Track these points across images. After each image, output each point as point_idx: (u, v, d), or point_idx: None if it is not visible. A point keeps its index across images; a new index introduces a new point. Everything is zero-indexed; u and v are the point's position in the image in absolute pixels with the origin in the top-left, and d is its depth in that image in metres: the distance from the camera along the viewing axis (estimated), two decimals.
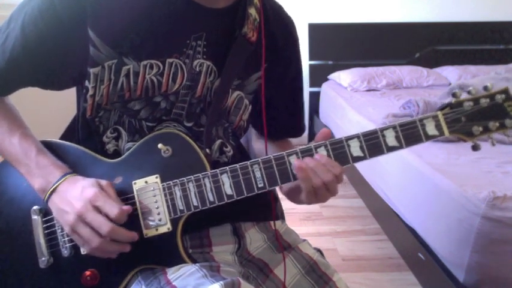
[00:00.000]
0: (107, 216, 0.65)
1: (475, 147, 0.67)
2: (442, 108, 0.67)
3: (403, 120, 0.66)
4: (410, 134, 0.66)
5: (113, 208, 0.64)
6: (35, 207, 0.72)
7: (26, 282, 0.72)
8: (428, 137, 0.66)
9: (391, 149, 0.66)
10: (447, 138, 1.79)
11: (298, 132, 0.98)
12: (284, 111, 0.93)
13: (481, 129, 0.66)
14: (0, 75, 0.73)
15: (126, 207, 0.66)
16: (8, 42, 0.71)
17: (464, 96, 0.67)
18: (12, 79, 0.75)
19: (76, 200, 0.65)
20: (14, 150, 0.72)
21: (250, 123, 0.93)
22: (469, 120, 0.66)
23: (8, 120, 0.74)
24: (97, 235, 0.65)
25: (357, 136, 0.66)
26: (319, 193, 0.68)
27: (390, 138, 0.66)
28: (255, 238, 0.86)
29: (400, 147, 0.66)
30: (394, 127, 0.66)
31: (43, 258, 0.71)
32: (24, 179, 0.72)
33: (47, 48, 0.71)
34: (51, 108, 1.65)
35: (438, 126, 0.66)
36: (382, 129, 0.66)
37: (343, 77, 3.07)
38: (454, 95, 0.67)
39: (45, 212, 0.72)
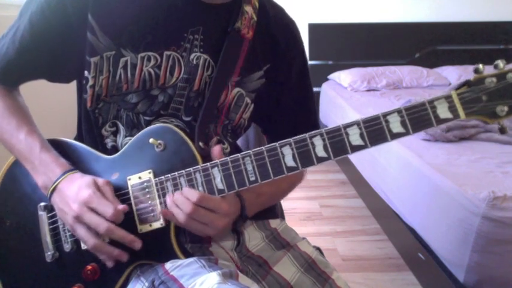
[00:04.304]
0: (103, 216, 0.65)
1: (503, 130, 0.59)
2: (457, 88, 0.60)
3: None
4: (418, 117, 0.59)
5: (107, 208, 0.65)
6: (41, 204, 0.75)
7: (34, 274, 0.75)
8: (440, 121, 0.59)
9: (396, 135, 0.59)
10: (447, 138, 1.79)
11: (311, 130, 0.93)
12: (293, 109, 0.89)
13: (506, 109, 0.57)
14: (9, 65, 0.76)
15: (122, 206, 0.66)
16: (18, 33, 0.75)
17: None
18: (21, 69, 0.77)
19: (72, 202, 0.67)
20: (20, 147, 0.74)
21: (261, 131, 0.92)
22: (492, 99, 0.57)
23: (17, 117, 0.77)
24: (93, 235, 0.66)
25: (357, 123, 0.60)
26: (195, 228, 0.66)
27: (395, 124, 0.59)
28: (253, 236, 0.86)
29: (407, 133, 0.59)
30: (399, 111, 0.59)
31: (49, 253, 0.73)
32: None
33: (52, 36, 0.73)
34: (60, 105, 1.68)
35: (452, 108, 0.58)
36: (385, 114, 0.60)
37: (343, 77, 3.07)
38: (476, 70, 0.58)
39: (51, 208, 0.74)
